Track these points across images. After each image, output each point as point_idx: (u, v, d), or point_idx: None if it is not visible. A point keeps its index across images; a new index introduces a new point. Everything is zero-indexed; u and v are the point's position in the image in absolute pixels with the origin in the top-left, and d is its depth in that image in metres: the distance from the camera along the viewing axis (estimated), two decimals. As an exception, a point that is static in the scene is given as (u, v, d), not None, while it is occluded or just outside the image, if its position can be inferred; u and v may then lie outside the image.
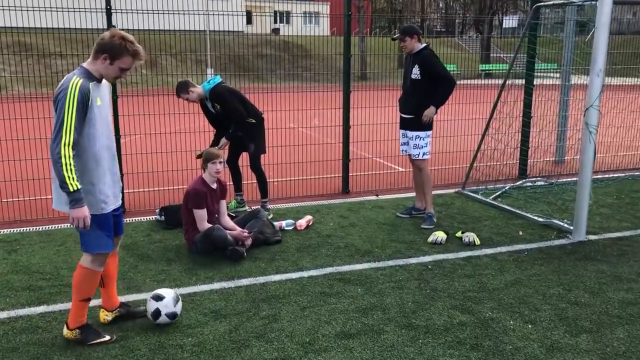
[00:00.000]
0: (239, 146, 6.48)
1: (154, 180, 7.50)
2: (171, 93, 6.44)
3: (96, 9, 6.70)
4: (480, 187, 7.42)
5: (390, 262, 4.93)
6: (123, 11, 6.71)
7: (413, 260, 4.99)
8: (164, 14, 7.61)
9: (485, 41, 32.25)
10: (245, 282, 4.50)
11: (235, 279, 4.56)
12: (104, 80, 3.44)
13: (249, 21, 41.39)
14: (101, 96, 3.37)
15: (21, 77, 18.83)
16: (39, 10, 6.82)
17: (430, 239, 5.49)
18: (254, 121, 6.23)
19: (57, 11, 6.85)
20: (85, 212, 3.24)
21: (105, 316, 3.80)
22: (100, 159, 3.37)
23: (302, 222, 5.92)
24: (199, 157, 5.34)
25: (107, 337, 3.57)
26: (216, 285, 4.44)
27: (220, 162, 5.13)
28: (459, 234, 5.63)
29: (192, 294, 4.30)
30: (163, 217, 6.05)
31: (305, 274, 4.67)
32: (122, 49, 3.25)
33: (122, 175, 6.62)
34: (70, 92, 3.17)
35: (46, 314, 3.96)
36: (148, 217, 6.37)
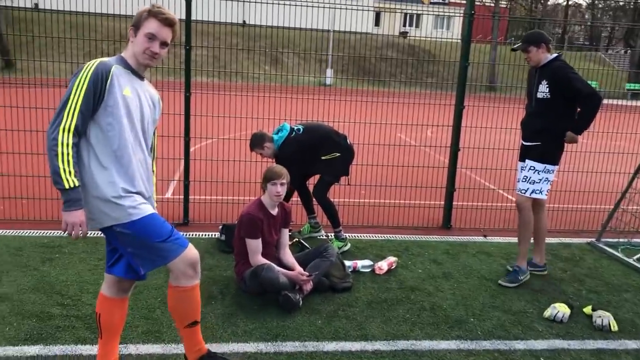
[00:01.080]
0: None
1: (224, 189, 6.69)
2: (287, 94, 5.60)
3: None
4: (622, 241, 5.81)
5: (487, 344, 3.66)
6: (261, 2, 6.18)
7: (519, 345, 3.67)
8: (290, 5, 6.97)
9: (637, 56, 28.71)
10: (289, 347, 3.47)
11: (278, 339, 3.55)
12: (147, 81, 2.83)
13: (377, 23, 40.53)
14: (134, 89, 2.68)
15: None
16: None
17: (547, 313, 4.11)
18: (337, 154, 5.18)
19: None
20: (81, 216, 2.51)
21: (96, 377, 2.96)
22: (123, 158, 2.64)
23: (383, 265, 4.78)
24: None
25: None
26: (251, 347, 3.45)
27: (282, 184, 4.14)
28: (588, 309, 4.20)
29: (221, 354, 3.34)
30: (224, 236, 5.21)
31: (369, 345, 3.54)
32: (144, 12, 2.66)
33: (187, 182, 5.91)
34: (84, 71, 2.55)
35: (35, 358, 3.19)
36: (210, 234, 5.56)
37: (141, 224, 2.63)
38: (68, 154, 2.48)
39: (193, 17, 5.56)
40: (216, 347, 3.39)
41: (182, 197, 5.98)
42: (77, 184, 2.49)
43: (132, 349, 3.34)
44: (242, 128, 6.97)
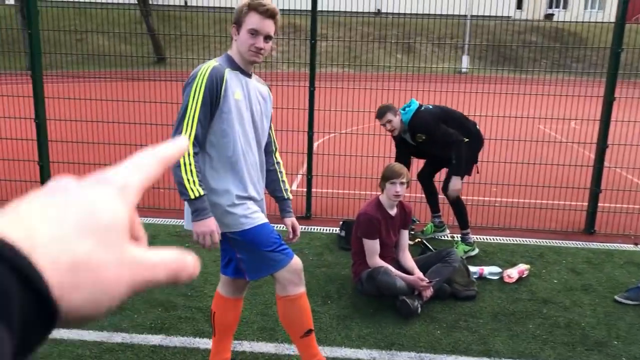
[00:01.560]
0: (438, 162, 5.19)
1: (347, 184, 6.59)
2: (420, 82, 5.42)
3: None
4: None
5: (634, 374, 3.20)
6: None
7: (674, 379, 3.16)
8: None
9: None
10: (404, 358, 3.28)
11: (393, 348, 3.37)
12: (254, 77, 2.74)
13: (519, 5, 38.16)
14: (243, 89, 2.63)
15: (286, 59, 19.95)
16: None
17: None
18: (466, 140, 4.79)
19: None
20: (211, 225, 2.50)
21: (209, 374, 2.99)
22: (237, 164, 2.62)
23: (513, 273, 4.39)
24: None
25: None
26: (365, 354, 3.31)
27: (402, 183, 3.93)
28: None
29: (332, 359, 3.25)
30: (343, 232, 5.12)
31: (492, 363, 3.25)
32: (243, 7, 2.56)
33: (310, 177, 5.90)
34: (199, 78, 2.52)
35: (157, 347, 3.32)
36: (330, 229, 5.50)
37: (252, 233, 2.61)
38: (190, 163, 2.48)
39: (324, 8, 5.49)
40: (328, 352, 3.30)
41: (306, 189, 5.99)
42: (202, 193, 2.49)
43: (247, 346, 3.36)
44: (367, 121, 6.82)
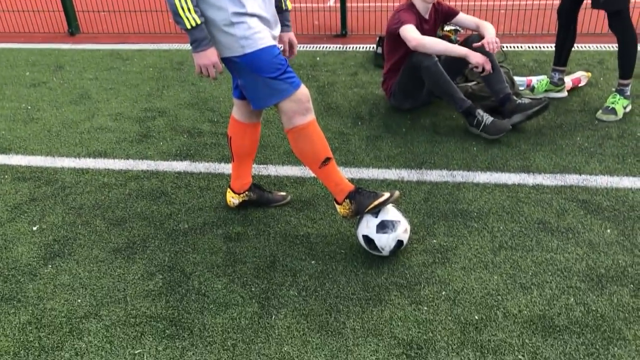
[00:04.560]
0: None
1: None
2: None
3: None
4: None
5: (690, 185, 2.91)
6: None
7: None
8: None
9: None
10: (434, 176, 3.10)
11: (424, 167, 3.19)
12: None
13: None
14: None
15: None
16: None
17: None
18: None
19: None
20: (211, 56, 2.30)
21: (231, 198, 2.93)
22: None
23: (567, 82, 3.97)
24: None
25: (387, 195, 2.48)
26: (393, 174, 3.15)
27: None
28: None
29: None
30: (380, 49, 4.74)
31: (530, 178, 3.02)
32: None
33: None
34: None
35: (182, 174, 3.28)
36: (367, 47, 5.11)
37: (252, 57, 2.30)
38: None
39: None
40: (355, 173, 3.17)
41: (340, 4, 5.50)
42: (199, 21, 2.21)
43: (272, 169, 3.26)
44: None
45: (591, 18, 5.13)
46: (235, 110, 2.76)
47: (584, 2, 3.66)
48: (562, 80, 3.92)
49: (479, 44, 3.42)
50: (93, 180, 3.22)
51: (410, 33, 3.42)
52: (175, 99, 4.27)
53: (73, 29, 6.02)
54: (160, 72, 4.81)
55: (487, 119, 3.37)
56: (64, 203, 3.00)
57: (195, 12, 2.21)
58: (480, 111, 3.40)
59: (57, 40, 5.88)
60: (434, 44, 3.41)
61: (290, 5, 2.65)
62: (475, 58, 3.36)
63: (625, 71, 3.56)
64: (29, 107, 4.24)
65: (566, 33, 3.77)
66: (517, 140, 3.39)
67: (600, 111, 3.62)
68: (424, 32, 3.57)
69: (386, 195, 2.45)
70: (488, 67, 3.38)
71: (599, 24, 5.13)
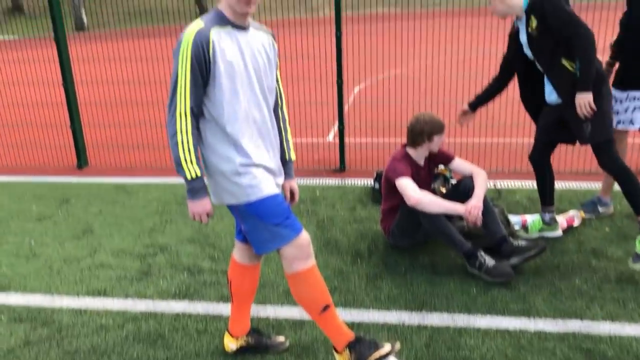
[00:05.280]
0: (557, 125, 3.73)
1: (382, 131, 6.29)
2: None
3: None
4: None
5: (693, 333, 2.88)
6: None
7: None
8: None
9: None
10: (435, 319, 3.08)
11: (424, 309, 3.18)
12: (252, 30, 2.45)
13: None
14: (237, 46, 2.36)
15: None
16: None
17: None
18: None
19: None
20: (205, 205, 2.42)
21: (229, 343, 2.89)
22: (239, 130, 2.40)
23: (562, 220, 4.06)
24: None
25: (387, 348, 2.54)
26: (394, 317, 3.13)
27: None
28: None
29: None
30: (377, 185, 4.89)
31: (532, 324, 3.00)
32: None
33: (342, 127, 5.64)
34: (184, 45, 2.28)
35: (179, 315, 3.25)
36: (365, 181, 5.28)
37: (258, 205, 2.42)
38: (188, 141, 2.32)
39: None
40: (355, 315, 3.15)
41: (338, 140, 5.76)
42: (199, 173, 2.36)
43: (270, 310, 3.24)
44: (402, 62, 6.43)
45: (579, 156, 5.36)
46: (237, 252, 2.81)
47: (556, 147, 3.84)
48: (553, 219, 3.97)
49: (463, 210, 3.51)
50: (90, 322, 3.18)
51: (408, 190, 3.52)
52: (177, 234, 4.34)
53: (82, 162, 6.25)
54: (164, 206, 4.93)
55: (489, 261, 3.41)
56: (59, 347, 2.95)
57: (197, 164, 2.34)
58: (481, 253, 3.45)
59: (65, 173, 6.08)
60: (432, 205, 3.49)
61: (294, 157, 2.79)
62: (472, 218, 3.48)
63: (637, 207, 3.49)
64: (33, 242, 4.29)
65: (543, 175, 3.88)
66: (515, 282, 3.40)
67: (630, 260, 3.49)
68: (420, 178, 3.72)
69: (387, 348, 2.43)
70: (479, 223, 3.50)
71: (588, 163, 5.34)
